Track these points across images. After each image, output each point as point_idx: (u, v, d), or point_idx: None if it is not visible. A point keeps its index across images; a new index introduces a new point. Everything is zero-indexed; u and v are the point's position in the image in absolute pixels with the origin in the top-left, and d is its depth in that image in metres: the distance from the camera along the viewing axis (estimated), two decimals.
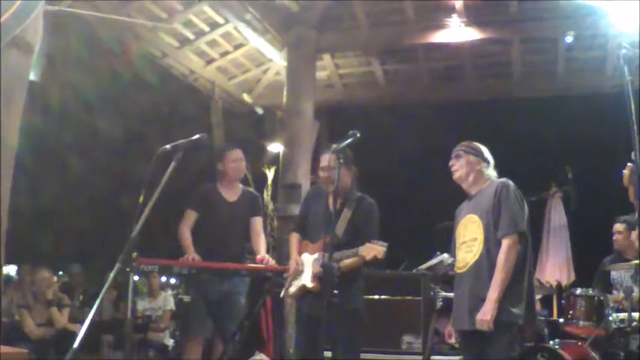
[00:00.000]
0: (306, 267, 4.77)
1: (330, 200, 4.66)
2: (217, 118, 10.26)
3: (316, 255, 4.69)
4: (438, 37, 8.57)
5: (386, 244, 4.38)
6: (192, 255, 5.16)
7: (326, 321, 4.02)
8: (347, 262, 4.54)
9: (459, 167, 4.28)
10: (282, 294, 4.96)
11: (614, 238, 6.18)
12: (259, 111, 10.67)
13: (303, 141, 8.59)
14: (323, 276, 4.21)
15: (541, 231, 8.49)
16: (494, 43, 9.01)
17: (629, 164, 3.30)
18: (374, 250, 4.37)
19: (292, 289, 4.81)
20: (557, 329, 6.04)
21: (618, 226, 6.15)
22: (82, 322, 3.33)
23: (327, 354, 4.62)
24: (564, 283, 8.11)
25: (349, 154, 4.59)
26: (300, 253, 4.88)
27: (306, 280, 4.71)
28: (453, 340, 4.47)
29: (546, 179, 8.56)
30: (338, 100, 10.60)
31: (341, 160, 4.20)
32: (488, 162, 4.26)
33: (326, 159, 4.79)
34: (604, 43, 8.56)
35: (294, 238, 5.01)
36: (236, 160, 5.54)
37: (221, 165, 5.55)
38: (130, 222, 3.44)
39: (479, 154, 4.27)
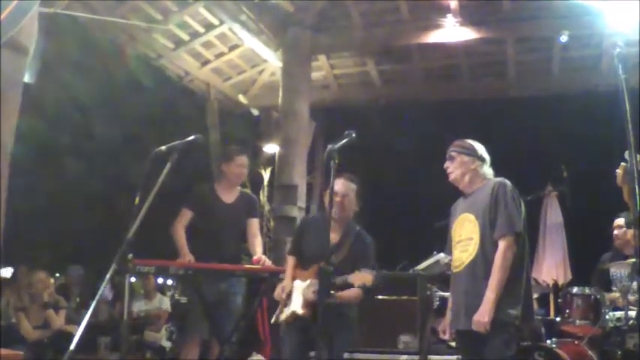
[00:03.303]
0: (297, 294, 4.66)
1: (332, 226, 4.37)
2: (213, 119, 10.26)
3: (308, 281, 4.61)
4: (433, 37, 8.58)
5: (374, 271, 4.43)
6: (187, 256, 5.17)
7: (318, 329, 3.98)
8: (342, 294, 4.49)
9: (453, 169, 4.24)
10: (272, 320, 4.86)
11: (615, 233, 6.15)
12: (255, 112, 10.66)
13: (298, 142, 8.60)
14: (318, 291, 4.12)
15: (537, 230, 8.49)
16: (489, 43, 9.02)
17: (622, 164, 3.30)
18: (363, 277, 4.37)
19: (283, 316, 4.69)
20: (554, 328, 6.04)
21: (619, 221, 6.12)
22: (78, 324, 3.31)
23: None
24: (561, 282, 8.10)
25: (359, 184, 4.78)
26: (293, 279, 4.76)
27: (297, 306, 4.60)
28: (447, 337, 4.44)
29: (542, 178, 8.56)
30: (333, 101, 10.59)
31: (335, 161, 4.11)
32: (483, 159, 4.22)
33: (340, 184, 4.68)
34: (599, 42, 8.57)
35: (291, 261, 4.88)
36: (241, 165, 5.60)
37: (225, 166, 5.58)
38: (126, 223, 3.43)
39: (472, 152, 4.22)
